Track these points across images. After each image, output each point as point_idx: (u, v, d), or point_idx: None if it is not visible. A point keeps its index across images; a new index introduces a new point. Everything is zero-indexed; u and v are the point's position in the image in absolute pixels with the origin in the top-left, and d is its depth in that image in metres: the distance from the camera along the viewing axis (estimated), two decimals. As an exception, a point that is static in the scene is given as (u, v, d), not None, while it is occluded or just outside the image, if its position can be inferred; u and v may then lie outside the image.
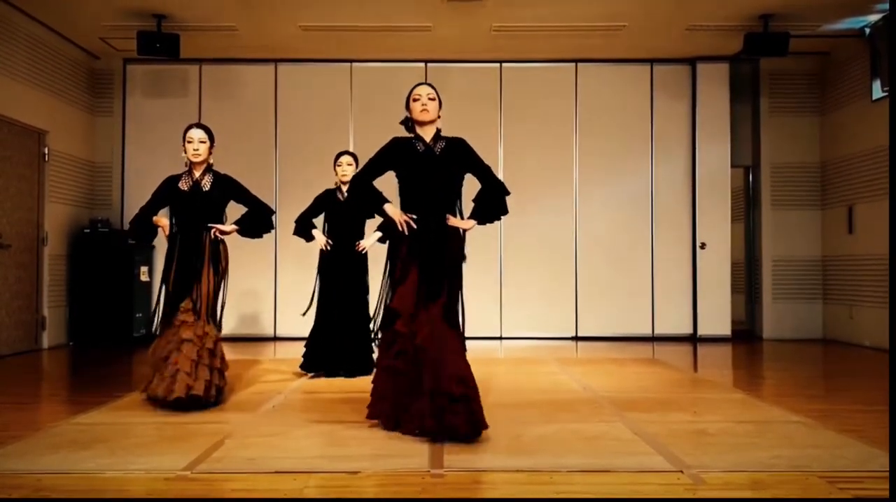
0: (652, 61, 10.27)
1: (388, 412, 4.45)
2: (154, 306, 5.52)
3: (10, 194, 8.38)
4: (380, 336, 4.59)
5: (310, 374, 6.69)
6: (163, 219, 5.47)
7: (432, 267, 4.43)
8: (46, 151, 9.04)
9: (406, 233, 4.48)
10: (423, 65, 10.17)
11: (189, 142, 5.36)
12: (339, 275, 6.67)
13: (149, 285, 9.91)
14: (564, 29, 9.03)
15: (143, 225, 5.48)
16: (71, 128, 9.62)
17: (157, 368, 5.18)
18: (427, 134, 4.62)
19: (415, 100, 4.58)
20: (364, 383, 6.26)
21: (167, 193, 5.41)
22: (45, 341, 9.04)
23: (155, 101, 10.17)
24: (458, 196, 4.68)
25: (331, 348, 6.60)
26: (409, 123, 4.66)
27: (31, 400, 5.95)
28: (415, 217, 4.50)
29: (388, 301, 4.57)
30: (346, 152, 6.87)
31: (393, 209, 4.56)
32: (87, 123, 10.06)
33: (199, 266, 5.31)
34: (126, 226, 9.77)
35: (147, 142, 10.10)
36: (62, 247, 9.41)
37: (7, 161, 8.36)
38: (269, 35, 9.24)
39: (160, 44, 8.60)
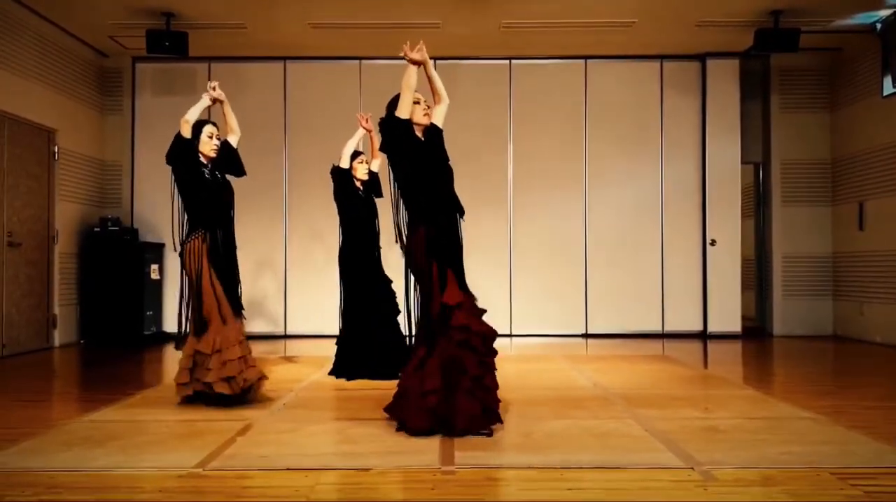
0: (662, 57, 10.24)
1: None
2: (195, 304, 5.25)
3: (20, 192, 8.42)
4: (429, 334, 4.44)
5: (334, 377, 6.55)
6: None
7: (461, 267, 4.54)
8: (56, 150, 9.08)
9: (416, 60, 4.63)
10: (432, 62, 10.14)
11: (210, 136, 5.39)
12: (364, 274, 6.53)
13: (159, 283, 9.94)
14: (574, 25, 9.02)
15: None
16: (80, 127, 9.65)
17: (206, 362, 5.13)
18: (420, 134, 4.69)
19: (416, 102, 4.65)
20: (380, 383, 6.25)
21: (191, 168, 5.33)
22: (57, 339, 9.08)
23: (164, 99, 10.18)
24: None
25: (366, 351, 6.42)
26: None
27: (44, 397, 5.97)
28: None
29: (436, 298, 4.41)
30: (360, 152, 6.78)
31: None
32: (97, 121, 10.10)
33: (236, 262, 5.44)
34: (135, 225, 9.87)
35: (156, 140, 10.10)
36: (72, 245, 9.45)
37: (17, 159, 8.39)
38: (278, 33, 9.25)
39: (169, 42, 8.62)
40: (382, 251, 6.74)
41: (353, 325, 6.53)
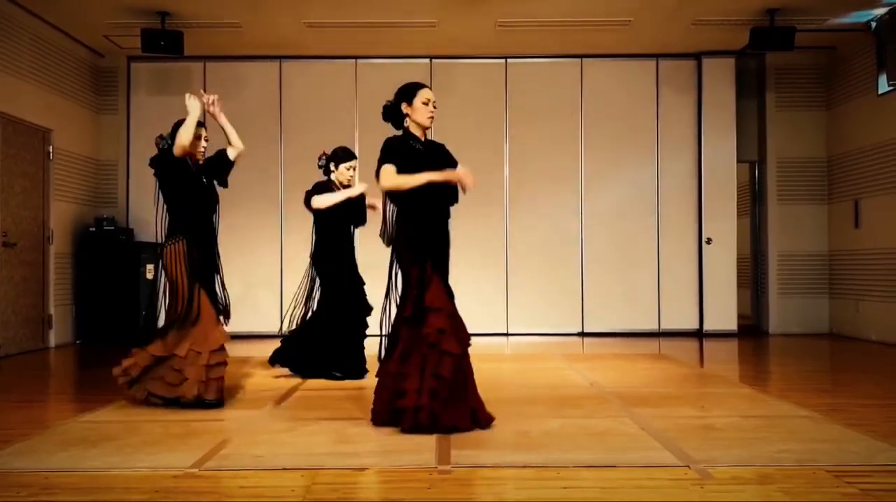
0: (658, 56, 10.24)
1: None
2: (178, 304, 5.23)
3: (15, 192, 8.40)
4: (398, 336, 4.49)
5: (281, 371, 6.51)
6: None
7: (447, 270, 4.58)
8: (51, 149, 9.05)
9: (466, 189, 4.53)
10: (427, 61, 10.16)
11: (199, 138, 5.35)
12: (339, 272, 6.42)
13: (155, 283, 9.89)
14: (570, 24, 9.01)
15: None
16: (76, 127, 9.63)
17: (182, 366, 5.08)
18: (420, 134, 4.65)
19: (424, 103, 4.58)
20: (368, 382, 6.25)
21: (174, 176, 5.30)
22: (52, 339, 9.06)
23: (159, 99, 10.15)
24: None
25: (328, 348, 6.34)
26: (396, 113, 4.63)
27: (39, 398, 5.96)
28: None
29: (416, 301, 4.41)
30: (355, 156, 6.62)
31: (440, 174, 4.49)
32: (92, 121, 10.07)
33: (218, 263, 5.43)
34: (131, 225, 9.84)
35: (152, 139, 9.99)
36: (68, 245, 9.43)
37: (12, 159, 8.37)
38: (274, 32, 9.24)
39: (164, 41, 8.60)
40: (364, 251, 6.68)
41: (327, 323, 6.39)
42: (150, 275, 9.77)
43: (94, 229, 9.59)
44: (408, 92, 4.62)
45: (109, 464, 3.70)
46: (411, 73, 9.95)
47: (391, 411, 4.40)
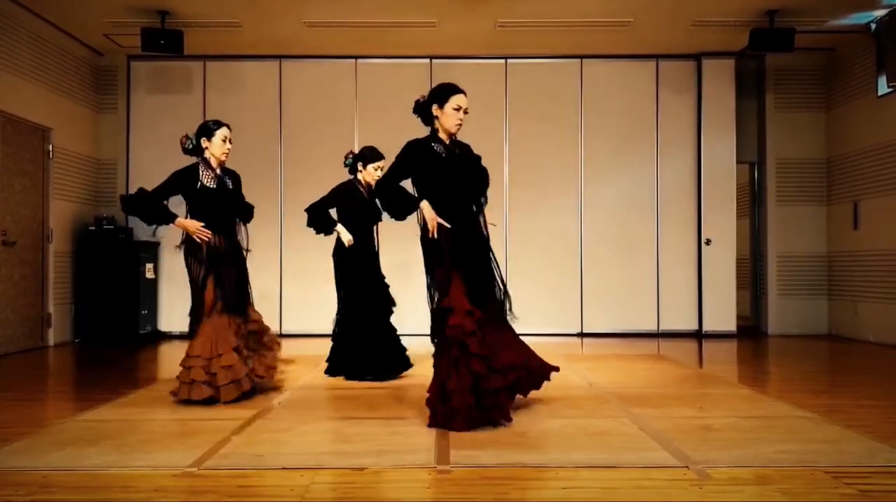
0: (657, 57, 10.24)
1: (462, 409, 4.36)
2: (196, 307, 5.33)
3: (14, 191, 8.39)
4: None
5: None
6: (189, 223, 5.27)
7: (477, 271, 4.59)
8: (51, 148, 9.05)
9: (436, 236, 4.47)
10: (427, 61, 10.15)
11: (224, 140, 5.37)
12: (363, 272, 6.39)
13: (154, 282, 9.92)
14: (569, 25, 9.01)
15: (156, 210, 5.27)
16: (76, 125, 9.63)
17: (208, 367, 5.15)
18: (445, 137, 4.67)
19: (455, 109, 4.59)
20: (370, 384, 6.25)
21: (185, 188, 5.30)
22: (51, 338, 9.06)
23: (159, 98, 10.16)
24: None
25: (360, 350, 6.30)
26: (426, 113, 4.66)
27: (37, 396, 5.95)
28: (448, 226, 4.50)
29: (437, 302, 4.48)
30: (382, 156, 6.47)
31: (429, 209, 4.50)
32: (92, 120, 10.07)
33: (244, 266, 5.54)
34: (130, 224, 9.82)
35: (152, 138, 10.10)
36: (67, 244, 9.43)
37: (12, 158, 8.36)
38: (274, 31, 9.24)
39: (164, 40, 8.60)
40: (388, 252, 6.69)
41: (349, 325, 6.41)
42: (149, 275, 9.78)
43: (93, 228, 9.59)
44: (441, 94, 4.63)
45: (108, 463, 3.70)
46: (411, 73, 10.01)
47: (437, 409, 4.40)
